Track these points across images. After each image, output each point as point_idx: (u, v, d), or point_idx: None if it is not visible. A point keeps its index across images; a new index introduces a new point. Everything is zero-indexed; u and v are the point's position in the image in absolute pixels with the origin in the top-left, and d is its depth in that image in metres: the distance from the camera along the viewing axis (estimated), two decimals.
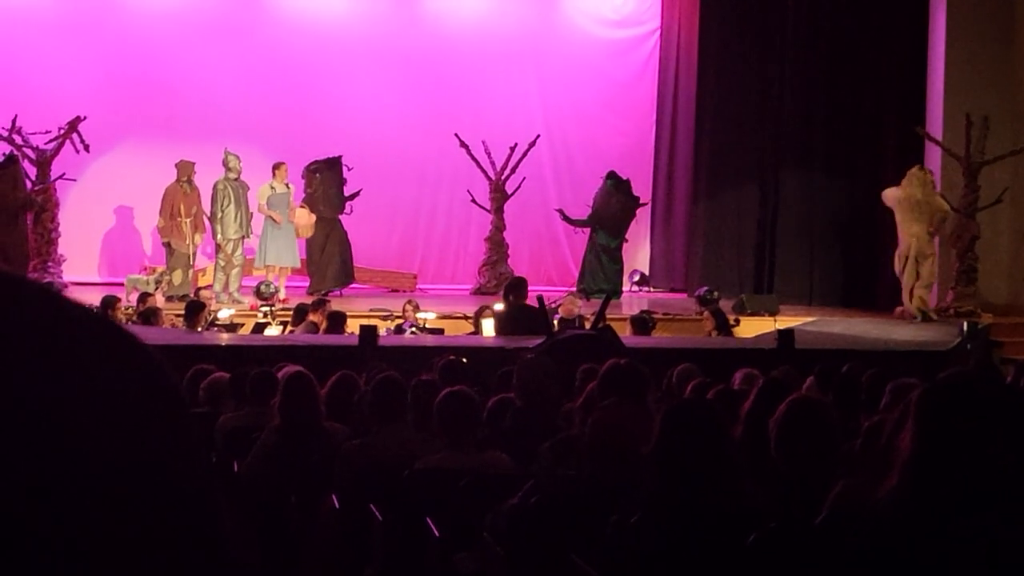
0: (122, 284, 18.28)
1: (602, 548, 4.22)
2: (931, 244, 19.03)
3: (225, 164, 18.79)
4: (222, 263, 18.64)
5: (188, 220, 18.78)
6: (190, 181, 18.99)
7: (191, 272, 18.86)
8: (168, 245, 18.80)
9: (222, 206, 18.64)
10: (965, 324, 15.07)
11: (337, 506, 6.15)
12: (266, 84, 21.60)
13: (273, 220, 18.81)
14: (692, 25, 22.48)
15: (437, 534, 5.39)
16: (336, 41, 21.83)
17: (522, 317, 13.53)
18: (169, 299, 17.63)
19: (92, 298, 16.45)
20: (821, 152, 21.66)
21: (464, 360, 8.99)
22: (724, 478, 4.21)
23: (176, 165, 19.01)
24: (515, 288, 14.45)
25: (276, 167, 19.05)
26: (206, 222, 18.95)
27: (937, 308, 19.02)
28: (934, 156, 20.10)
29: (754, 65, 21.81)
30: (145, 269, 20.05)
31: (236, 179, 18.81)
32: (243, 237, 18.78)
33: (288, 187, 19.08)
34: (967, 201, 19.33)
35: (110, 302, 15.31)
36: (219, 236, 18.66)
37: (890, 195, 19.02)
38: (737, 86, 21.83)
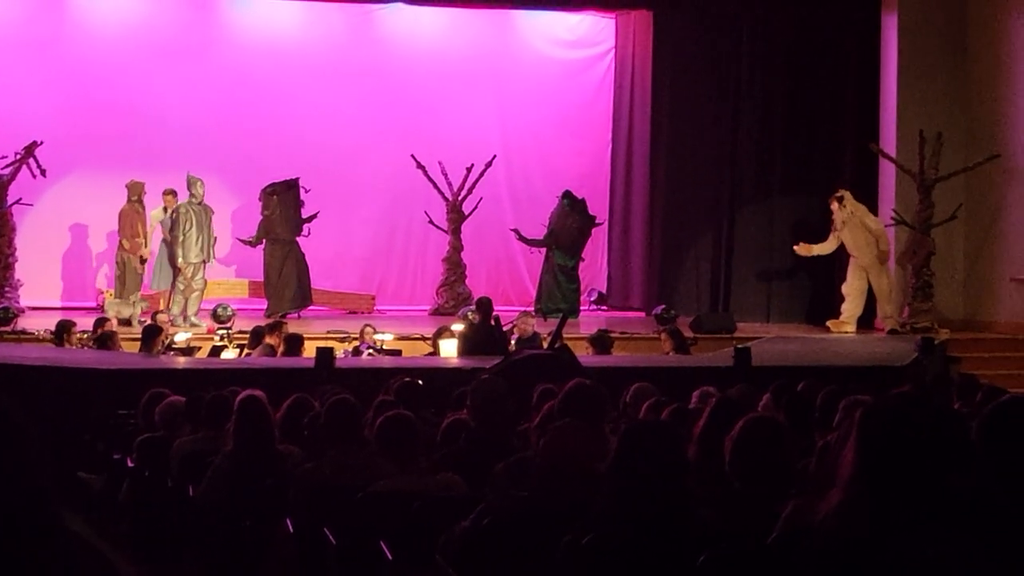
0: (83, 308, 18.18)
1: (555, 569, 4.21)
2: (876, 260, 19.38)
3: (189, 188, 18.71)
4: (181, 287, 18.53)
5: (143, 240, 18.84)
6: (140, 200, 19.05)
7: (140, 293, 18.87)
8: (125, 265, 18.73)
9: (184, 230, 18.54)
10: (921, 339, 15.14)
11: (291, 530, 6.11)
12: (223, 106, 21.53)
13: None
14: (646, 45, 22.49)
15: (390, 557, 5.37)
16: (293, 63, 21.78)
17: (486, 337, 13.61)
18: (125, 323, 17.53)
19: (48, 322, 16.37)
20: (778, 169, 21.73)
21: (420, 382, 8.97)
22: (678, 499, 4.21)
23: (127, 186, 19.05)
24: (481, 307, 14.68)
25: (165, 193, 19.17)
26: (155, 240, 19.00)
27: (894, 323, 19.20)
28: (889, 173, 20.23)
29: (709, 84, 21.84)
30: (100, 293, 19.98)
31: (199, 203, 18.71)
32: (204, 261, 18.68)
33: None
34: (922, 218, 19.47)
35: (66, 327, 15.21)
36: (180, 260, 18.56)
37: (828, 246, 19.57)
38: (692, 105, 21.85)
